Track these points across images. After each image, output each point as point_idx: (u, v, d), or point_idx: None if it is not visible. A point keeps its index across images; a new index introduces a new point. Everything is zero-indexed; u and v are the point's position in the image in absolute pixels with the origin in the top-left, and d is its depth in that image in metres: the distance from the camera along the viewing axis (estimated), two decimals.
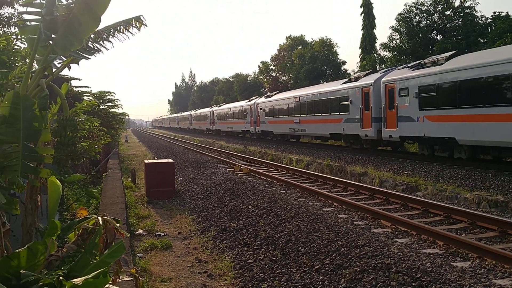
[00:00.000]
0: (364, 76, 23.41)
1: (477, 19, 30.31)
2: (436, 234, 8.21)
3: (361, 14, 42.37)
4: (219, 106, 56.70)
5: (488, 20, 29.92)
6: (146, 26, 4.58)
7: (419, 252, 7.41)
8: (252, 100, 42.23)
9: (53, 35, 3.75)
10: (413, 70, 18.84)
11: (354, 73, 35.28)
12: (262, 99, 38.64)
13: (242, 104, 44.97)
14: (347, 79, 26.14)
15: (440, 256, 7.29)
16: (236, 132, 47.71)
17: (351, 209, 10.98)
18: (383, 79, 20.50)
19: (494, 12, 29.55)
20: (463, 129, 15.60)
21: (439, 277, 5.86)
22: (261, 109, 37.63)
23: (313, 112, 27.60)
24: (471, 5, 30.46)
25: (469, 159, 15.95)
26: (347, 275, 6.28)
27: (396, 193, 12.35)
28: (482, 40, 28.76)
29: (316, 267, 6.77)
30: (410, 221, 9.11)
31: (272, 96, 37.28)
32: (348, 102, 23.23)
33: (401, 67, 21.54)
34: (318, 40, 49.77)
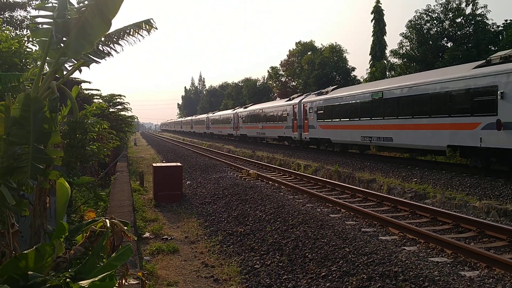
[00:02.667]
0: (296, 97, 33.35)
1: (488, 26, 30.00)
2: (444, 242, 8.14)
3: (371, 21, 42.27)
4: (213, 113, 65.46)
5: (500, 28, 29.64)
6: (156, 29, 4.60)
7: (427, 260, 7.35)
8: (235, 109, 51.34)
9: (64, 38, 3.78)
10: (316, 96, 28.82)
11: (364, 79, 38.09)
12: (241, 109, 47.88)
13: (228, 112, 54.62)
14: (288, 98, 35.85)
15: (448, 265, 7.22)
16: (224, 135, 56.10)
17: (359, 216, 10.92)
18: (302, 100, 30.48)
19: (506, 20, 29.30)
20: (333, 133, 25.66)
21: (447, 286, 5.80)
22: (240, 117, 46.98)
23: (269, 121, 37.39)
24: (483, 13, 30.19)
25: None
26: (354, 282, 6.24)
27: (404, 200, 12.28)
28: (493, 48, 28.44)
29: (323, 273, 6.73)
30: (418, 229, 9.04)
31: (247, 107, 46.92)
32: (286, 115, 32.82)
33: (313, 93, 31.49)
34: (327, 46, 49.80)
